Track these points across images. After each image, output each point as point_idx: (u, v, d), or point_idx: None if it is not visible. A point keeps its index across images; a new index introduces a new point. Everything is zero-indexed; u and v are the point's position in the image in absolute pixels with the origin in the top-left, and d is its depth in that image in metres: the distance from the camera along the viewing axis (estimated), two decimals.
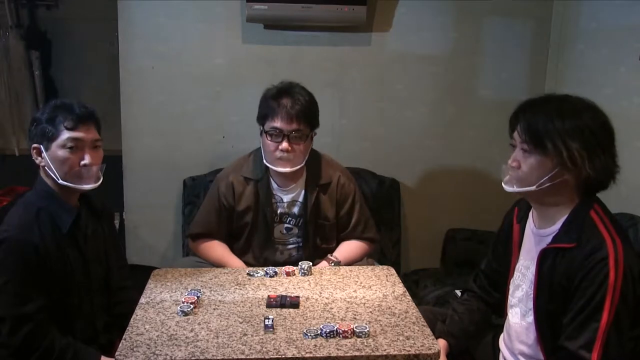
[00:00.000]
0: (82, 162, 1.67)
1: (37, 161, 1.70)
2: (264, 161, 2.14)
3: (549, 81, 2.91)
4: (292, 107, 2.06)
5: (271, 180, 2.21)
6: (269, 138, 2.09)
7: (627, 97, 2.36)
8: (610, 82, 2.46)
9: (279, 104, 2.07)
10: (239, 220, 2.22)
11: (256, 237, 2.23)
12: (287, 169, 2.09)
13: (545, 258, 1.51)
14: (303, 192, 2.22)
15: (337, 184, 2.24)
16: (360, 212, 2.28)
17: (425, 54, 2.88)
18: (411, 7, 2.81)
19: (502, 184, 1.57)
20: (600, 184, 1.49)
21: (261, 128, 2.14)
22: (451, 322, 1.79)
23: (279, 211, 2.23)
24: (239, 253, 2.24)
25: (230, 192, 2.20)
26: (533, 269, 1.55)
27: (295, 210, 2.23)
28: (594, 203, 1.49)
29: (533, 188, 1.49)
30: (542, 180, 1.47)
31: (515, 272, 1.66)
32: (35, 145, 1.68)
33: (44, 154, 1.67)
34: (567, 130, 1.43)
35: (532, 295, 1.55)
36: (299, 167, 2.12)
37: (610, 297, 1.36)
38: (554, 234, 1.51)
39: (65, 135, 1.65)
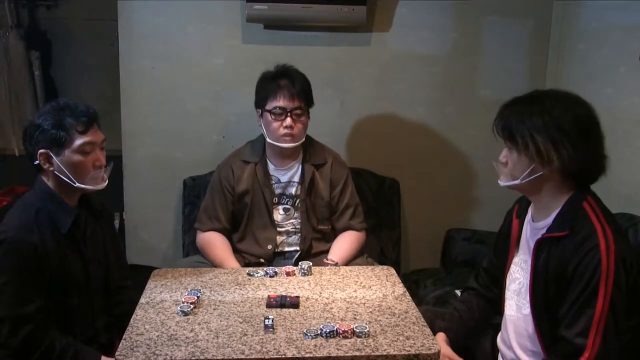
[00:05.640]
0: (99, 164, 1.69)
1: (44, 166, 1.67)
2: (268, 140, 2.24)
3: (549, 81, 2.91)
4: (292, 86, 2.20)
5: (268, 162, 2.32)
6: (272, 117, 2.21)
7: (627, 97, 2.36)
8: (610, 82, 2.46)
9: (279, 84, 2.21)
10: (239, 203, 2.30)
11: (256, 220, 2.30)
12: (292, 144, 2.22)
13: (540, 249, 1.54)
14: (299, 171, 2.31)
15: (332, 165, 2.36)
16: (351, 196, 2.37)
17: (425, 54, 2.87)
18: (411, 7, 2.81)
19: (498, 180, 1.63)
20: (585, 175, 1.52)
21: (260, 111, 2.25)
22: (451, 319, 1.82)
23: (276, 192, 2.31)
24: (239, 238, 2.31)
25: (230, 175, 2.31)
26: (530, 261, 1.57)
27: (292, 190, 2.32)
28: (587, 195, 1.53)
29: (518, 182, 1.55)
30: (523, 175, 1.53)
31: (512, 266, 1.68)
32: (42, 150, 1.65)
33: (54, 159, 1.65)
34: (534, 126, 1.49)
35: (528, 287, 1.56)
36: (300, 142, 2.25)
37: (603, 283, 1.39)
38: (548, 226, 1.54)
39: (80, 140, 1.65)
